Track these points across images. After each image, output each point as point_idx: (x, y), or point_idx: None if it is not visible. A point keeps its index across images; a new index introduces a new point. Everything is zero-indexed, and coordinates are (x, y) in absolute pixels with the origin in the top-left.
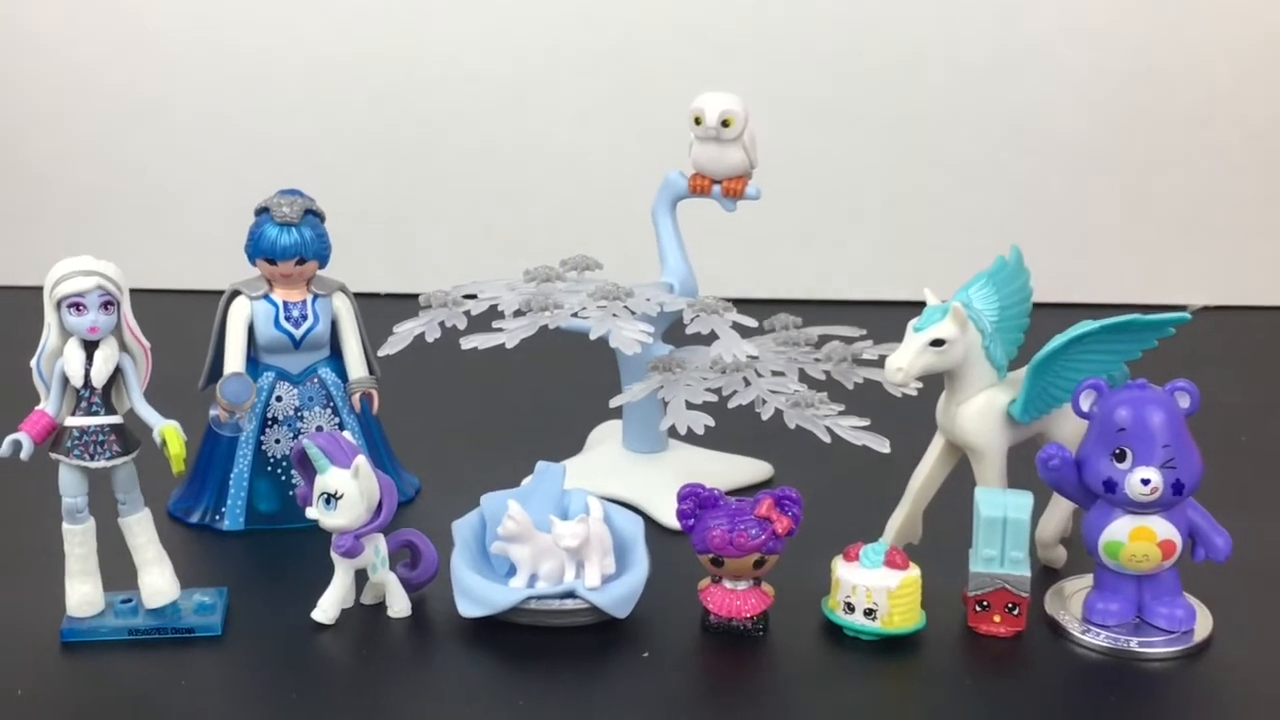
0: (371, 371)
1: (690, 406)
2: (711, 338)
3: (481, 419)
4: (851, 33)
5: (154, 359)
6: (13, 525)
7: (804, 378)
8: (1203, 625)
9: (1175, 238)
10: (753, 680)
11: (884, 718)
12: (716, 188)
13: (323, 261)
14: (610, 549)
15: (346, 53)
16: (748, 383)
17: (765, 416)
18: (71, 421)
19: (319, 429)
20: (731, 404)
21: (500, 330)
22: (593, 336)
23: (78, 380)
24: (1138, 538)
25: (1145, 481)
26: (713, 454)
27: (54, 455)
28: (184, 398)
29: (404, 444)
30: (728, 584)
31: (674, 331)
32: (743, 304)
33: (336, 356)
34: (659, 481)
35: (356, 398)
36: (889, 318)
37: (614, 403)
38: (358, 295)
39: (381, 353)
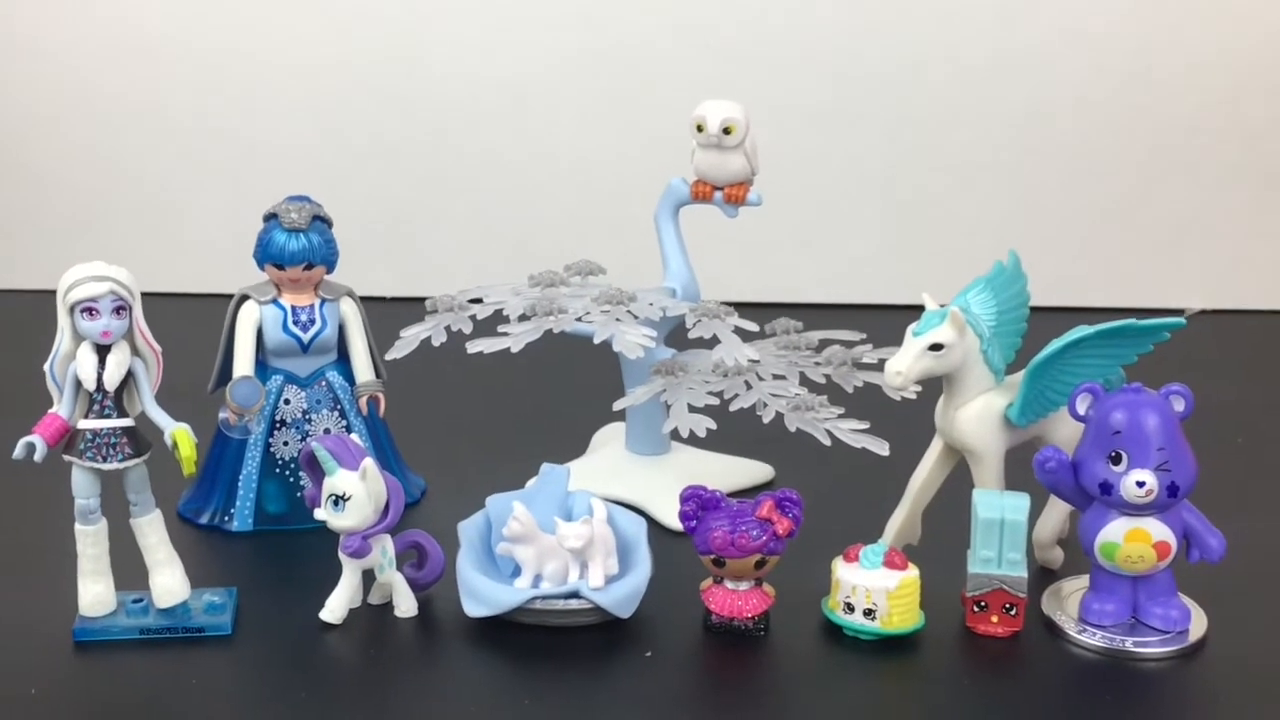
0: (378, 375)
1: (692, 409)
2: (713, 342)
3: (487, 422)
4: (851, 39)
5: (163, 362)
6: (27, 526)
7: (804, 381)
8: (1197, 625)
9: (1172, 242)
10: (754, 679)
11: (883, 717)
12: (718, 194)
13: (330, 267)
14: (613, 550)
15: (353, 59)
16: (749, 386)
17: (766, 419)
18: (84, 424)
19: (327, 431)
20: (733, 407)
21: (505, 334)
22: (596, 340)
23: (90, 384)
24: (1133, 539)
25: (1140, 484)
26: (714, 456)
27: (67, 457)
28: (193, 401)
29: (410, 446)
30: (729, 584)
31: (676, 336)
32: (744, 308)
33: (344, 360)
34: (661, 483)
35: (363, 401)
36: (888, 322)
37: (617, 406)
38: (364, 299)
39: (389, 356)
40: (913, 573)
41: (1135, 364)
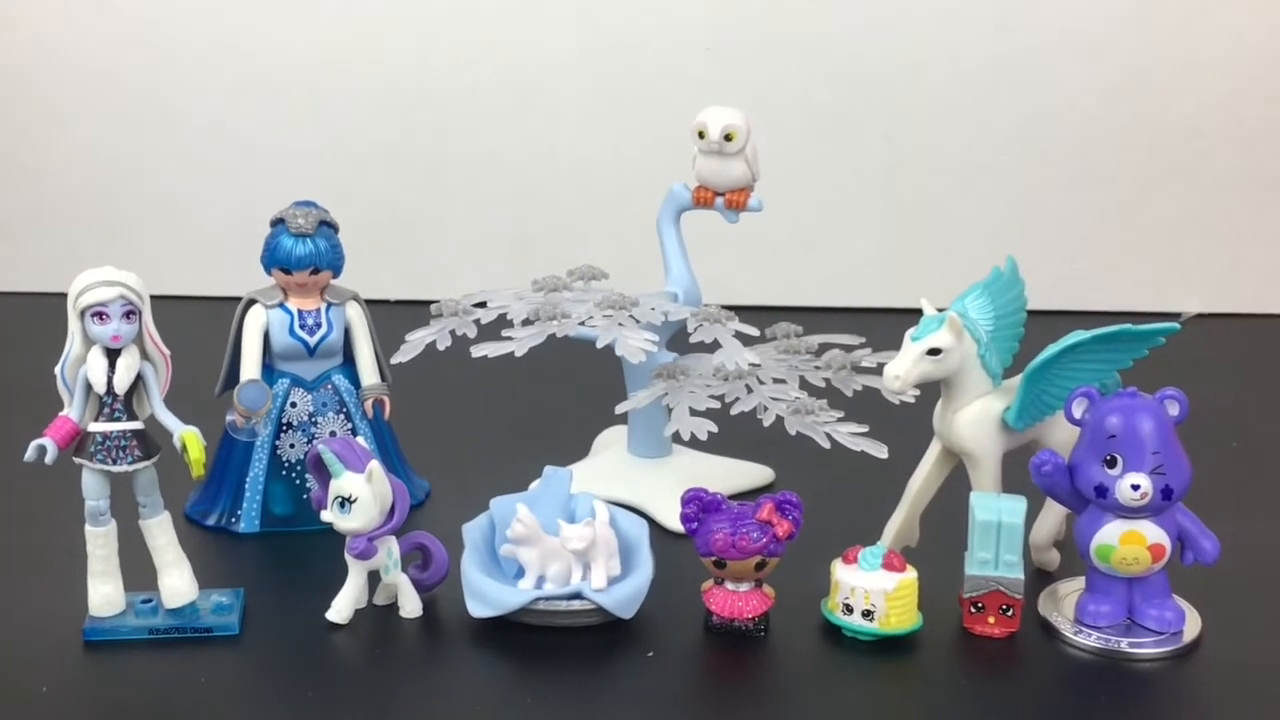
0: (383, 378)
1: (693, 413)
2: (714, 346)
3: (490, 425)
4: (851, 42)
5: (171, 366)
6: (37, 527)
7: (804, 385)
8: (1191, 626)
9: (1168, 246)
10: (754, 679)
11: (882, 716)
12: (719, 200)
13: (336, 271)
14: (616, 551)
15: (359, 66)
16: (749, 390)
17: (766, 423)
18: (94, 427)
19: (332, 434)
20: (734, 410)
21: (509, 339)
22: (599, 345)
23: (100, 387)
24: (1128, 541)
25: (1135, 487)
26: (715, 459)
27: (77, 459)
28: (200, 404)
29: (415, 449)
30: (730, 586)
31: (678, 340)
32: (745, 313)
33: (350, 364)
34: (663, 486)
35: (369, 404)
36: (887, 326)
37: (619, 409)
38: (370, 303)
39: (394, 360)
40: (911, 574)
41: (1131, 368)
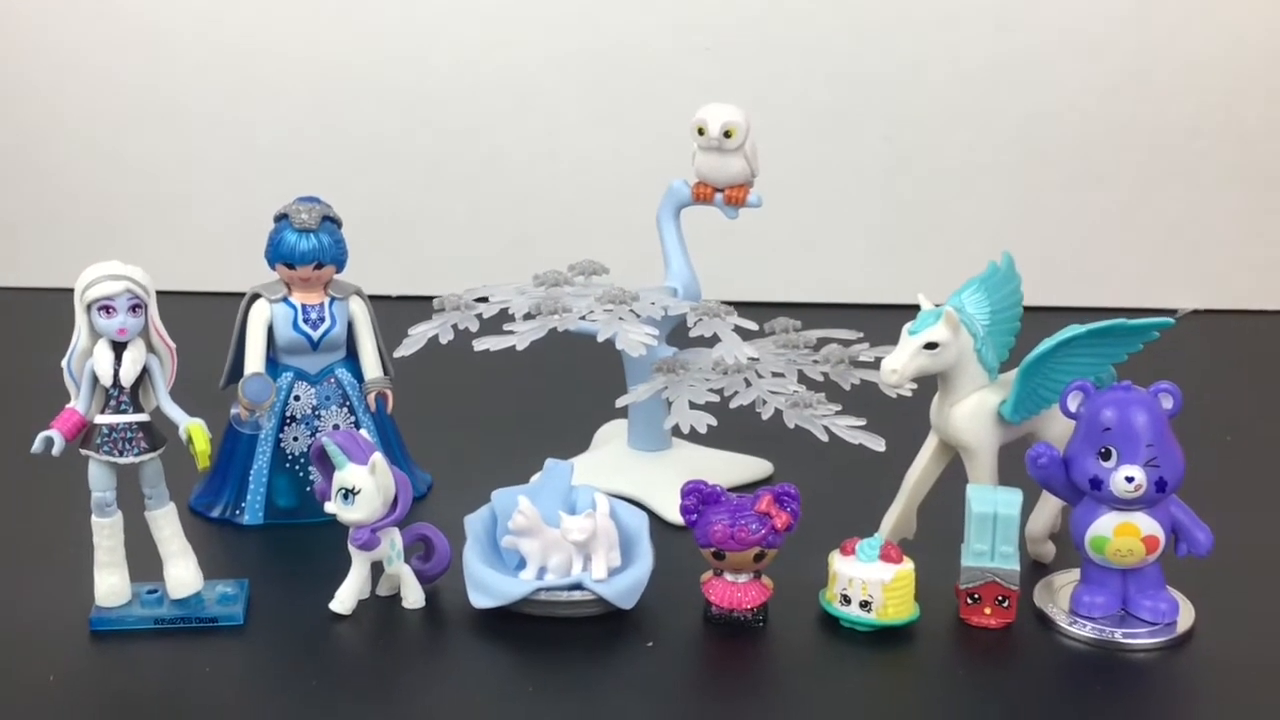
0: (386, 372)
1: (693, 406)
2: (714, 340)
3: (492, 418)
4: (850, 41)
5: (177, 359)
6: (44, 518)
7: (803, 379)
8: (1185, 617)
9: (1164, 243)
10: (753, 669)
11: (879, 705)
12: (719, 196)
13: (340, 266)
14: (616, 543)
15: (361, 63)
16: (748, 384)
17: (765, 416)
18: (101, 419)
19: (336, 427)
20: (733, 404)
21: (511, 333)
22: (599, 339)
23: (107, 380)
24: (1122, 533)
25: (1129, 479)
26: (715, 452)
27: (84, 451)
28: (205, 397)
29: (417, 442)
30: (729, 577)
31: (678, 334)
32: (744, 308)
33: (353, 357)
34: (663, 479)
35: (372, 397)
36: (885, 321)
37: (620, 403)
38: (372, 298)
39: (397, 354)
40: (908, 566)
41: (1126, 362)
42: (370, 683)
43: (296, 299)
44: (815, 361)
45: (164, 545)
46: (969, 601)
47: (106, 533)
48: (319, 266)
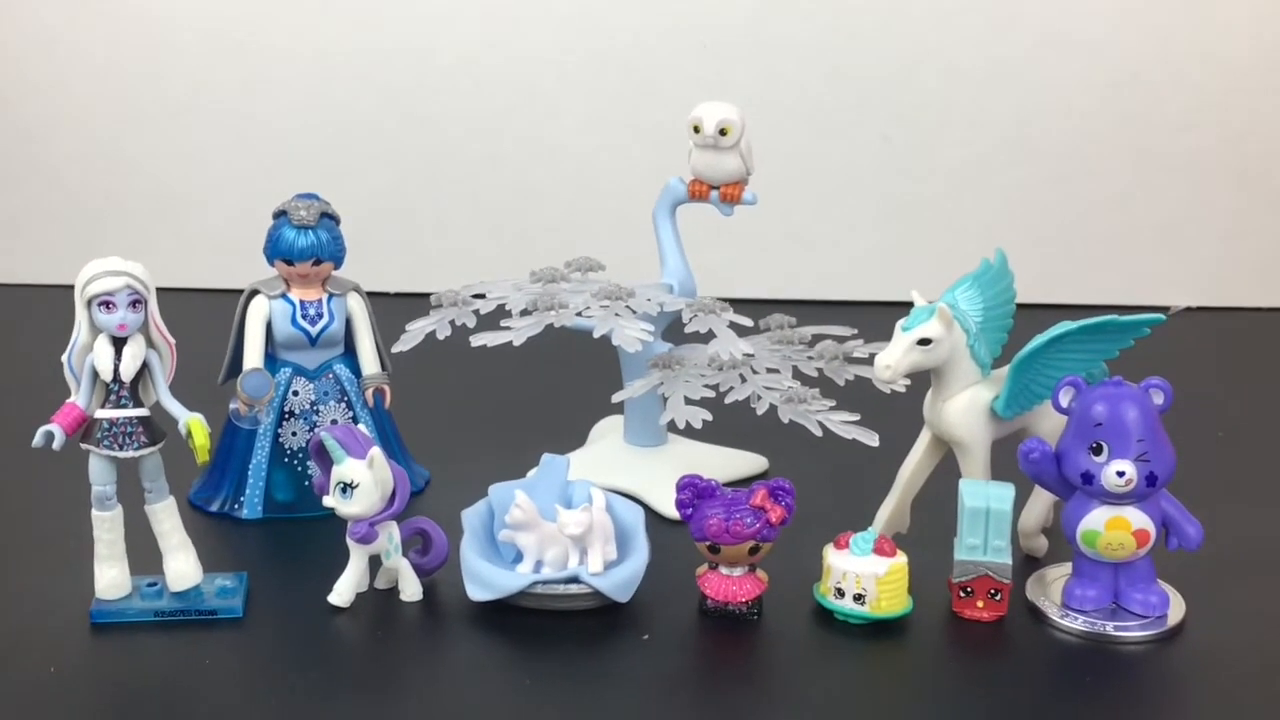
0: (384, 368)
1: (689, 402)
2: (709, 336)
3: (489, 413)
4: (845, 42)
5: (176, 354)
6: (45, 512)
7: (797, 375)
8: (1175, 610)
9: (1157, 241)
10: (747, 661)
11: (872, 698)
12: (714, 193)
13: (338, 262)
14: (612, 536)
15: (360, 61)
16: (744, 379)
17: (760, 411)
18: (101, 414)
19: (334, 423)
20: (728, 400)
21: (508, 329)
22: (596, 335)
23: (107, 375)
24: (1114, 527)
25: (1120, 474)
26: (710, 447)
27: (84, 445)
28: (204, 392)
29: (415, 437)
30: (724, 570)
31: (673, 330)
32: (739, 304)
33: (351, 353)
34: (659, 474)
35: (370, 393)
36: (879, 318)
37: (616, 398)
38: (370, 295)
39: (395, 349)
40: (901, 559)
41: (1117, 358)
42: (368, 674)
43: (295, 295)
44: (810, 358)
45: (164, 539)
46: (962, 595)
47: (107, 526)
48: (317, 263)
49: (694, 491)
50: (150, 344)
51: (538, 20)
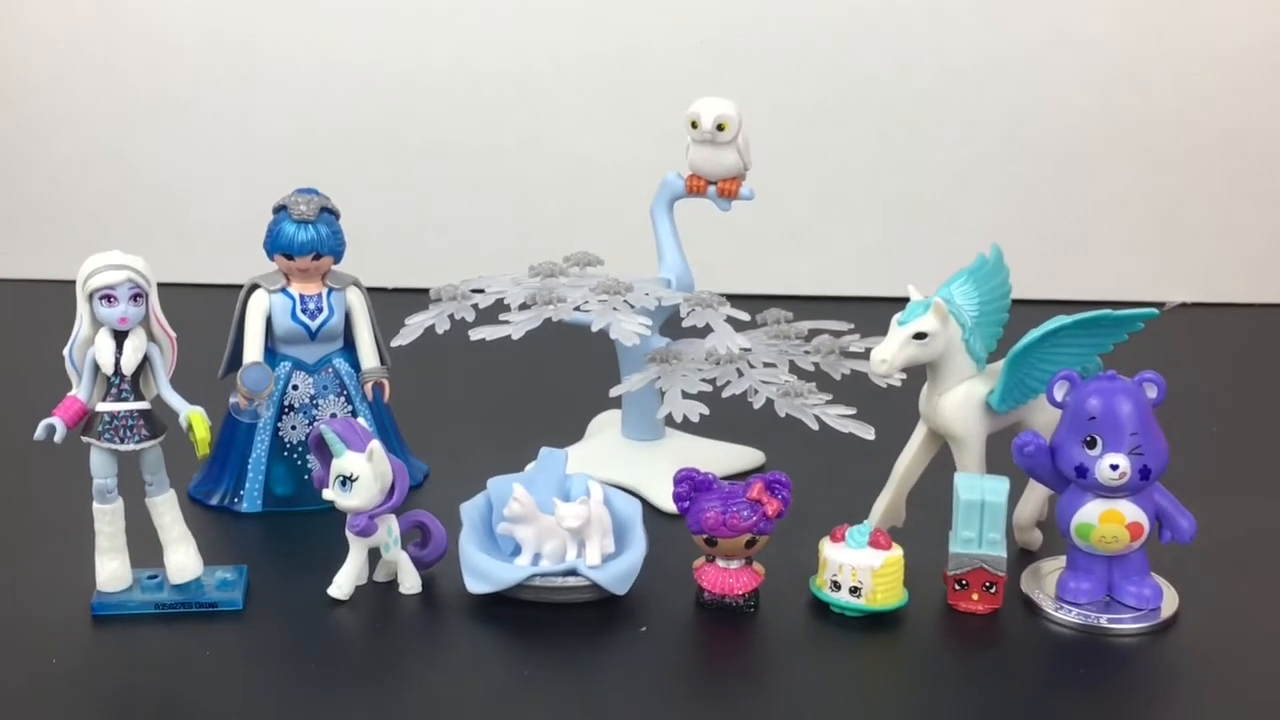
0: (383, 362)
1: (686, 396)
2: (706, 331)
3: (488, 407)
4: (843, 41)
5: (177, 348)
6: (46, 505)
7: (794, 369)
8: (1169, 603)
9: (1152, 238)
10: (744, 653)
11: (868, 689)
12: (712, 188)
13: (337, 257)
14: (610, 529)
15: (360, 58)
16: (740, 374)
17: (757, 405)
18: (102, 407)
19: (333, 416)
20: (725, 394)
21: (507, 323)
22: (594, 329)
23: (108, 368)
24: (1107, 520)
25: (1114, 467)
26: (707, 441)
27: (85, 439)
28: (204, 386)
29: (414, 431)
30: (721, 563)
31: (671, 325)
32: (736, 299)
33: (350, 348)
34: (656, 468)
35: (369, 387)
36: (875, 313)
37: (614, 392)
38: (370, 290)
39: (394, 344)
40: (897, 552)
41: (1112, 353)
42: (368, 666)
43: (295, 289)
44: (806, 352)
45: (164, 531)
46: (957, 587)
47: (108, 519)
48: (317, 257)
49: (691, 485)
50: (151, 338)
51: (536, 17)
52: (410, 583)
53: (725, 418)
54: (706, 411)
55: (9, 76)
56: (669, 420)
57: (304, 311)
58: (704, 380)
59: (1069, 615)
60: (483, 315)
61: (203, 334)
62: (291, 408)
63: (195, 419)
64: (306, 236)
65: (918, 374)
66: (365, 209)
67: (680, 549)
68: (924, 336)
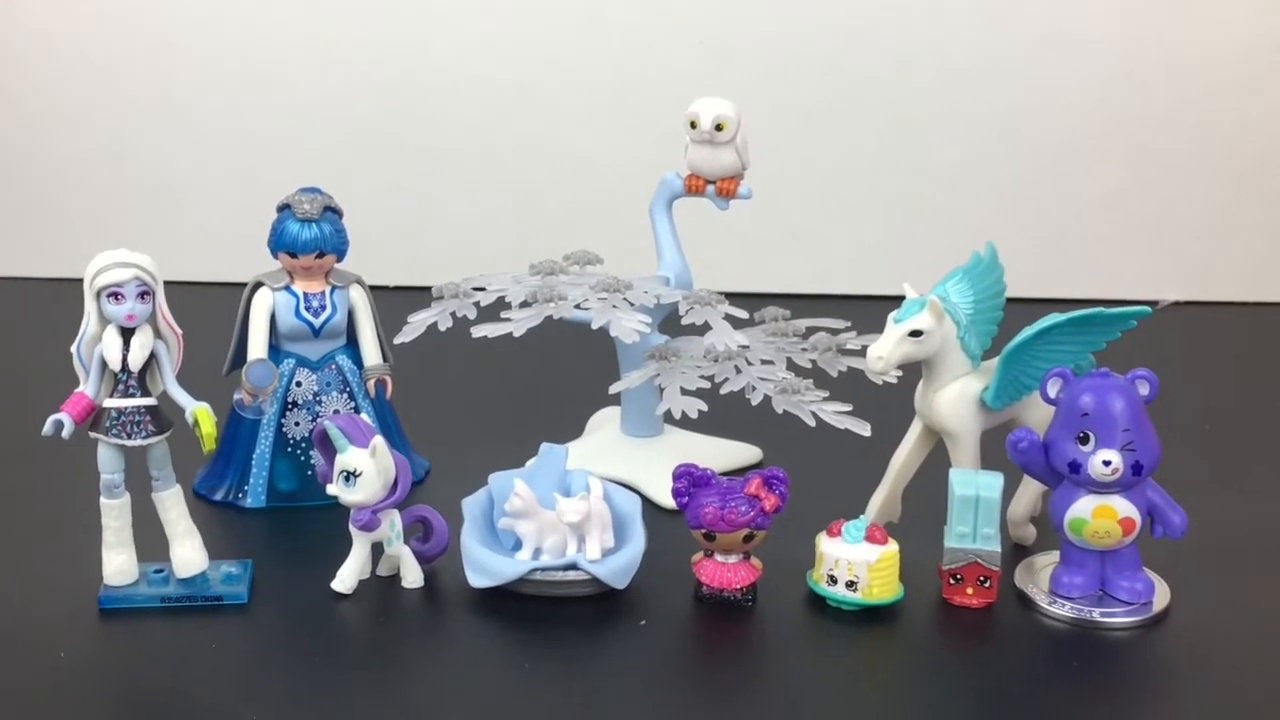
0: (385, 359)
1: (685, 393)
2: (705, 328)
3: (489, 403)
4: (841, 41)
5: (183, 345)
6: (54, 500)
7: (791, 366)
8: (1161, 597)
9: (1147, 236)
10: (742, 647)
11: (864, 683)
12: (710, 188)
13: (341, 255)
14: (610, 524)
15: (363, 58)
16: (739, 371)
17: (755, 402)
18: (109, 403)
19: (336, 413)
20: (723, 390)
21: (508, 320)
22: (594, 326)
23: (115, 364)
24: (1100, 515)
25: (1107, 463)
26: (705, 438)
27: (93, 434)
28: (208, 383)
29: (416, 427)
30: (719, 557)
31: (670, 322)
32: (735, 297)
33: (353, 345)
34: (655, 464)
35: (371, 383)
36: (871, 311)
37: (613, 389)
38: (372, 289)
39: (396, 341)
40: (892, 547)
41: (1105, 351)
42: (371, 659)
43: (298, 287)
44: (804, 349)
45: (170, 526)
46: (952, 582)
47: (115, 514)
48: (320, 255)
49: (690, 480)
50: (158, 334)
51: (536, 17)
52: (412, 577)
53: (723, 414)
54: (705, 408)
55: (9, 76)
56: (668, 416)
57: (307, 309)
58: (702, 377)
59: (1062, 609)
60: (484, 313)
61: (208, 331)
62: (295, 404)
63: (201, 415)
64: (310, 235)
65: (913, 371)
66: (366, 209)
67: (679, 544)
68: (919, 334)
